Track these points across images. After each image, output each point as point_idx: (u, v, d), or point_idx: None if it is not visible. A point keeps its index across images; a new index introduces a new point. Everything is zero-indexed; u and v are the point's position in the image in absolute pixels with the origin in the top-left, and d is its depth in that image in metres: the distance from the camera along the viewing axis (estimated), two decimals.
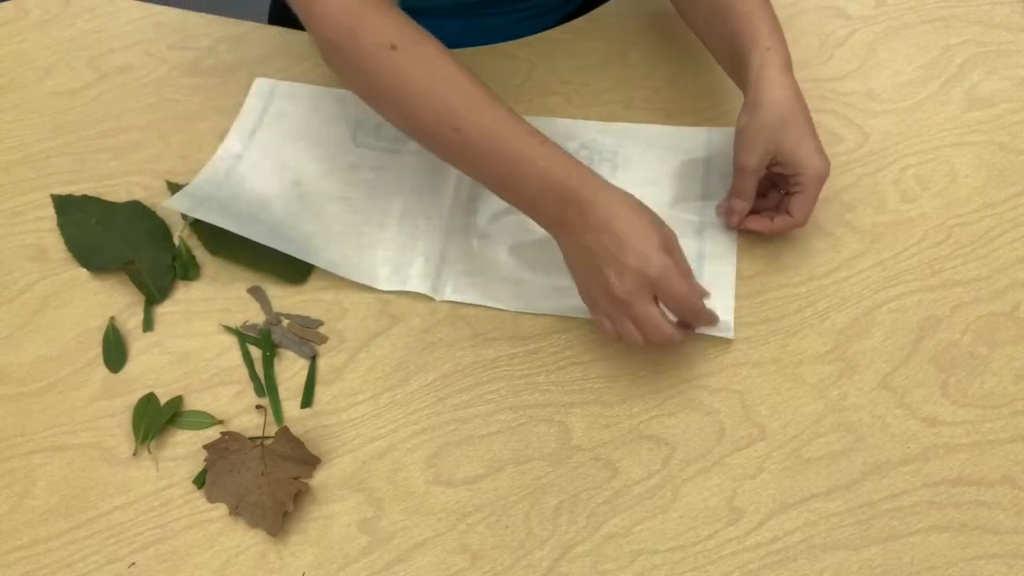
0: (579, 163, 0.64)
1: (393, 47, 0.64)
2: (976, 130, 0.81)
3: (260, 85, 0.85)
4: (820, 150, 0.70)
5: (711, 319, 0.65)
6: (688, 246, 0.73)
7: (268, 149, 0.80)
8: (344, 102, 0.83)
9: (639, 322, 0.62)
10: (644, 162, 0.79)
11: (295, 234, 0.75)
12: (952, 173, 0.78)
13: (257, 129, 0.82)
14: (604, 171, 0.78)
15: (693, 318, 0.64)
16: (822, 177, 0.70)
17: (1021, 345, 0.69)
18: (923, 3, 0.90)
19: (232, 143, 0.81)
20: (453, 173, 0.77)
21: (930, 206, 0.76)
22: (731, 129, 0.74)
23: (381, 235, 0.75)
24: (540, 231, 0.72)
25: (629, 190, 0.76)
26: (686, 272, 0.63)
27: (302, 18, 0.67)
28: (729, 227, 0.75)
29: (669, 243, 0.63)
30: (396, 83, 0.65)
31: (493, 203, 0.75)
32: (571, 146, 0.79)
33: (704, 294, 0.64)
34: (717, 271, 0.72)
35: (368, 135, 0.81)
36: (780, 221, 0.72)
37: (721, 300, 0.70)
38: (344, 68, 0.67)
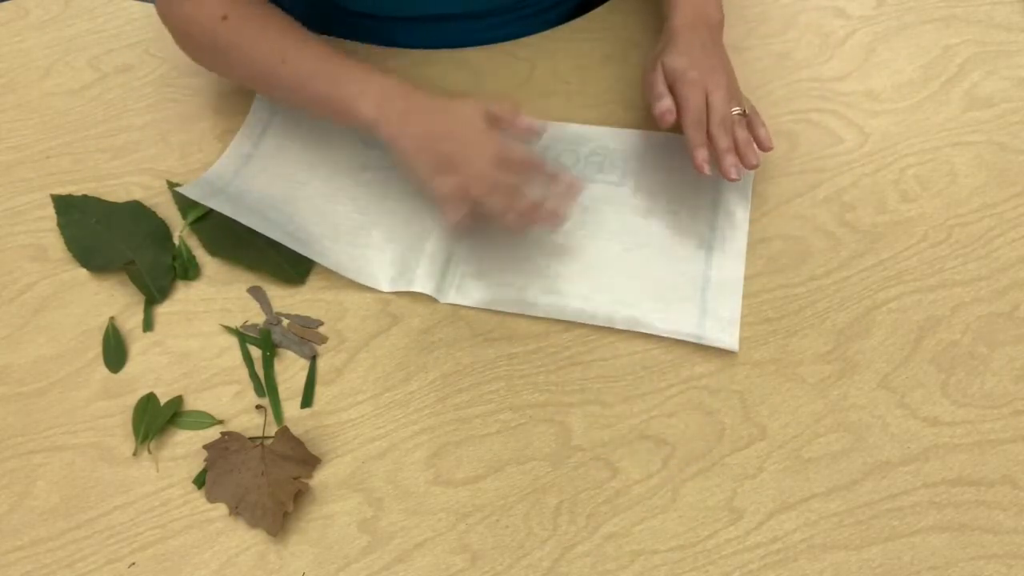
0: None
1: (224, 17, 0.72)
2: (976, 130, 0.81)
3: None
4: (685, 53, 0.74)
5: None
6: (697, 256, 0.73)
7: (278, 148, 0.80)
8: None
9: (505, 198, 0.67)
10: (656, 169, 0.78)
11: (303, 234, 0.75)
12: (952, 173, 0.78)
13: (267, 129, 0.82)
14: (615, 177, 0.78)
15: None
16: (679, 72, 0.72)
17: (1021, 345, 0.69)
18: (923, 3, 0.90)
19: (242, 143, 0.81)
20: None
21: (930, 206, 0.76)
22: None
23: (388, 236, 0.75)
24: (546, 235, 0.71)
25: (640, 196, 0.77)
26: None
27: (162, 20, 0.76)
28: (702, 171, 0.70)
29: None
30: (232, 40, 0.73)
31: None
32: (582, 151, 0.79)
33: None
34: (725, 282, 0.72)
35: None
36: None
37: (728, 311, 0.70)
38: (188, 47, 0.76)
